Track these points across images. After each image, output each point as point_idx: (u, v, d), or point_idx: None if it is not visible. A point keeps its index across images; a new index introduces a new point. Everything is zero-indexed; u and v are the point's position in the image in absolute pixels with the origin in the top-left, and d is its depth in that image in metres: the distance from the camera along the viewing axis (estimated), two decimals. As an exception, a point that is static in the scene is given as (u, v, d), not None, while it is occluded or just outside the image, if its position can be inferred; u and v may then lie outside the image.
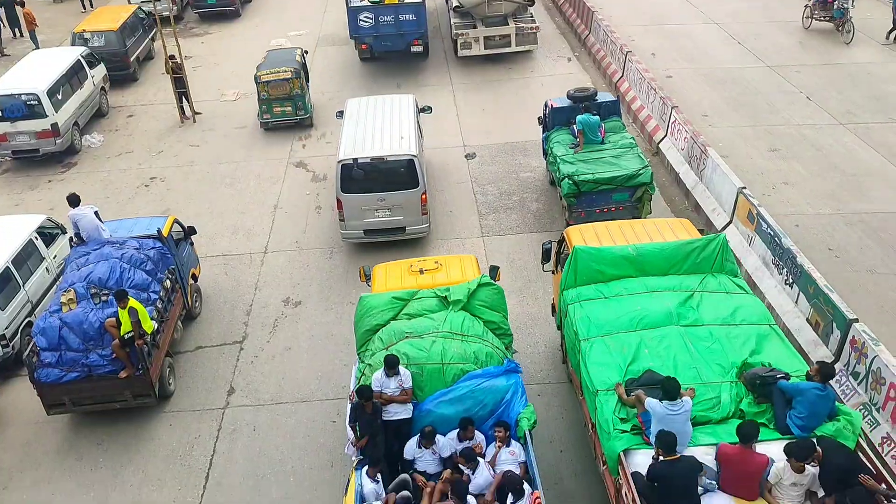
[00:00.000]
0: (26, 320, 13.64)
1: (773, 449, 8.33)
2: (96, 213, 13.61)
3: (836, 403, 8.93)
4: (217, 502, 11.00)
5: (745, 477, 8.25)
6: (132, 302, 11.75)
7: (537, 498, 8.58)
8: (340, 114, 17.95)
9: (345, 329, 13.59)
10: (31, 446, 12.15)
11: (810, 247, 14.53)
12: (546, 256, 13.12)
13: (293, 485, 11.14)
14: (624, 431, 8.84)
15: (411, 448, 9.50)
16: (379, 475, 9.09)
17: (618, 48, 22.82)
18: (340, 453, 11.24)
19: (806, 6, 25.70)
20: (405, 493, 8.89)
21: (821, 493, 8.18)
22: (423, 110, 18.48)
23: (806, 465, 8.04)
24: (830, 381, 9.22)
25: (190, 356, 13.64)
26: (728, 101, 21.42)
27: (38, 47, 26.42)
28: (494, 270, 12.15)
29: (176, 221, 14.46)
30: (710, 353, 9.62)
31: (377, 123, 16.55)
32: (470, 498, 8.64)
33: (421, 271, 11.83)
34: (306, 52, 23.30)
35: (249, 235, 16.97)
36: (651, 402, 8.59)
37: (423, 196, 15.46)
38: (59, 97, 20.33)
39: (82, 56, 22.12)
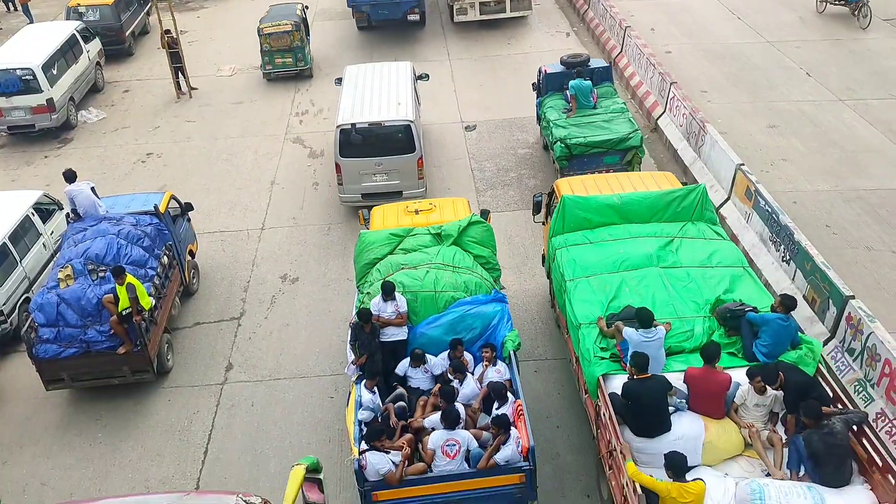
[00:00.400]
0: (24, 296, 13.65)
1: (741, 375, 8.98)
2: (93, 188, 13.57)
3: (799, 333, 9.59)
4: (216, 476, 11.07)
5: (710, 395, 8.91)
6: (130, 278, 11.75)
7: (519, 406, 9.37)
8: (339, 80, 18.20)
9: (342, 305, 13.62)
10: (31, 421, 12.21)
11: (808, 224, 14.53)
12: (537, 208, 13.73)
13: (291, 459, 11.17)
14: (603, 358, 9.59)
15: (404, 366, 10.31)
16: (376, 388, 9.89)
17: (617, 23, 22.66)
18: (339, 429, 11.34)
19: None
20: (401, 403, 9.78)
21: (782, 413, 8.91)
22: (420, 77, 18.72)
23: (768, 388, 8.73)
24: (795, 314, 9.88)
25: (188, 332, 13.67)
26: (727, 76, 21.32)
27: (32, 22, 26.23)
28: (485, 214, 12.68)
29: (173, 197, 14.43)
30: (687, 292, 10.30)
31: (375, 90, 16.87)
32: (459, 406, 9.29)
33: (416, 212, 12.59)
34: (307, 7, 23.65)
35: (246, 211, 16.94)
36: (628, 331, 9.33)
37: (420, 160, 15.82)
38: (55, 72, 20.20)
39: (77, 30, 21.95)
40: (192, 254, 14.65)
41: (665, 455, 8.13)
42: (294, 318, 13.79)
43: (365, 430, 9.13)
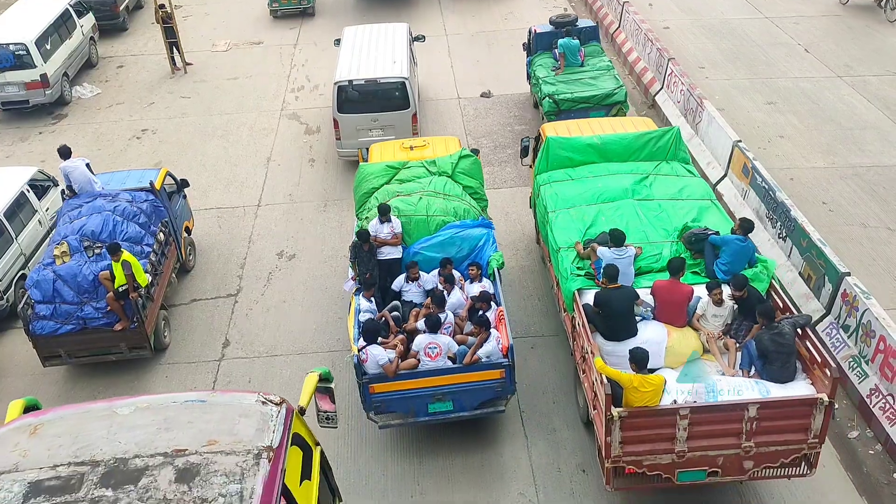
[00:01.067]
0: (20, 273, 13.63)
1: (703, 291, 9.94)
2: (88, 165, 13.50)
3: (756, 254, 10.44)
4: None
5: (673, 305, 9.86)
6: (125, 255, 11.73)
7: (501, 312, 10.59)
8: (338, 41, 18.66)
9: (339, 282, 13.62)
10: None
11: (804, 200, 14.54)
12: (524, 152, 14.69)
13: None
14: (578, 276, 10.53)
15: (399, 282, 11.42)
16: (373, 298, 11.03)
17: (615, -2, 22.45)
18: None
19: None
20: (396, 312, 10.96)
21: (735, 323, 9.84)
22: (416, 39, 19.25)
23: (725, 300, 9.75)
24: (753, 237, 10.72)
25: (185, 309, 13.68)
26: (725, 53, 21.22)
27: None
28: (475, 152, 13.41)
29: (168, 174, 14.37)
30: (658, 220, 11.20)
31: (372, 49, 17.63)
32: (447, 313, 10.44)
33: (411, 147, 13.82)
34: None
35: (243, 188, 16.89)
36: (602, 250, 10.37)
37: (414, 116, 16.51)
38: (48, 47, 20.04)
39: (70, 5, 21.74)
40: (188, 230, 14.63)
41: (630, 351, 8.94)
42: (291, 295, 13.80)
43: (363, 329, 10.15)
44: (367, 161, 13.80)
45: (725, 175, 15.14)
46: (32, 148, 18.88)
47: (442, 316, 10.27)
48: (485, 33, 23.24)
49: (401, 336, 10.44)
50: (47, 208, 14.68)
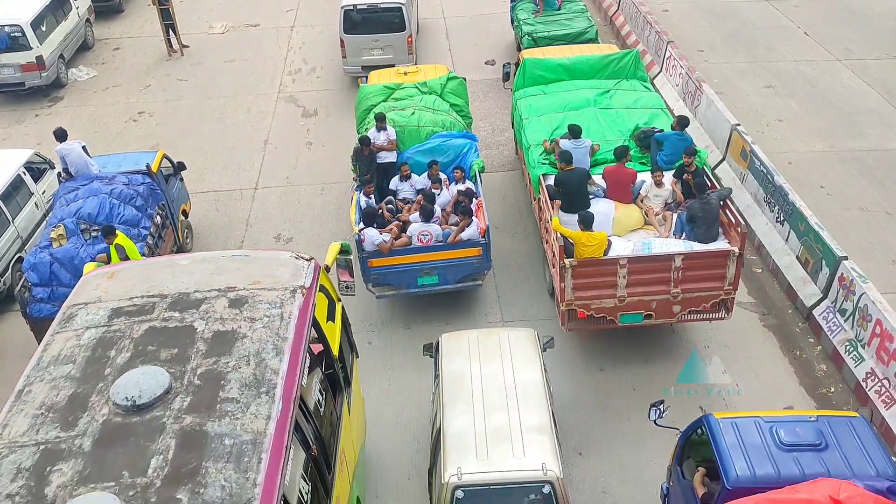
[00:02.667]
0: (17, 256, 13.61)
1: (647, 177, 11.90)
2: (84, 147, 13.44)
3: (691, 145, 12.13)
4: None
5: (621, 185, 11.85)
6: (120, 238, 11.66)
7: (480, 202, 12.46)
8: None
9: (336, 265, 13.62)
10: (26, 380, 12.23)
11: (803, 184, 14.50)
12: (506, 77, 16.60)
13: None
14: (544, 164, 12.47)
15: (395, 182, 13.36)
16: (371, 195, 12.79)
17: (614, -19, 22.33)
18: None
19: None
20: (391, 206, 12.82)
21: (672, 203, 11.76)
22: None
23: (664, 182, 11.75)
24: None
25: (182, 292, 13.65)
26: (724, 36, 21.13)
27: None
28: (463, 80, 15.22)
29: (165, 157, 14.32)
30: (615, 124, 13.08)
31: None
32: (437, 208, 12.25)
33: (405, 73, 15.61)
34: None
35: (240, 171, 16.84)
36: (563, 142, 12.31)
37: (409, 38, 18.98)
38: (44, 29, 19.89)
39: (66, -14, 21.57)
40: (185, 213, 14.59)
41: (578, 214, 10.86)
42: (288, 278, 13.76)
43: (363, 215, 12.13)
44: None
45: (724, 159, 15.11)
46: (28, 130, 18.80)
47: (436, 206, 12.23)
48: (483, 17, 23.08)
49: (396, 222, 12.30)
50: (43, 191, 14.63)
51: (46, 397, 6.37)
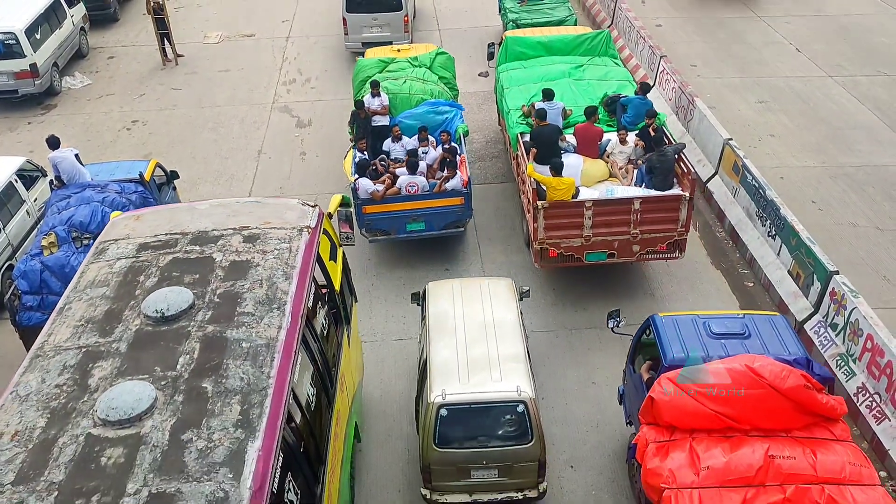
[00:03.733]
0: (7, 264, 13.54)
1: (614, 136, 13.60)
2: (77, 155, 13.40)
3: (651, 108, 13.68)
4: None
5: (589, 142, 13.47)
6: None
7: (463, 158, 14.05)
8: None
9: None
10: (15, 389, 12.14)
11: (794, 199, 14.57)
12: (490, 56, 18.16)
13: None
14: (520, 124, 14.12)
15: (388, 143, 14.59)
16: (365, 151, 14.12)
17: (608, -5, 22.48)
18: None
19: None
20: (383, 163, 14.11)
21: (635, 159, 13.30)
22: None
23: (627, 140, 13.31)
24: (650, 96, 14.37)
25: (173, 301, 13.60)
26: (717, 51, 21.27)
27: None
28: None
29: (158, 165, 14.29)
30: (586, 92, 14.71)
31: None
32: (423, 164, 13.83)
33: (398, 49, 17.14)
34: None
35: (233, 181, 16.82)
36: (537, 103, 13.86)
37: (406, 17, 20.75)
38: (38, 37, 19.87)
39: (61, -6, 21.57)
40: (177, 222, 14.54)
41: (550, 161, 12.32)
42: (280, 288, 13.74)
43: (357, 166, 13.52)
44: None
45: (716, 173, 15.17)
46: (21, 138, 18.74)
47: (420, 164, 13.72)
48: (475, 29, 23.16)
49: (388, 174, 13.73)
50: (35, 199, 14.57)
51: (85, 312, 7.32)
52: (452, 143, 14.28)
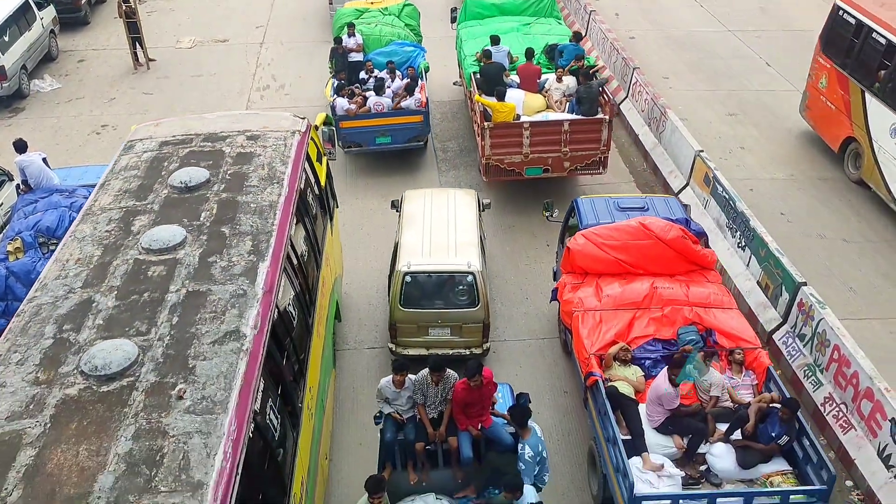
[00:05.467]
0: (-29, 269, 13.27)
1: (551, 77, 15.95)
2: (44, 159, 13.23)
3: (582, 52, 16.86)
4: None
5: (529, 78, 15.83)
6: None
7: (423, 86, 16.92)
8: None
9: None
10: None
11: (763, 211, 14.73)
12: (454, 20, 20.27)
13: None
14: (473, 66, 16.73)
15: (362, 75, 17.39)
16: (343, 80, 17.04)
17: (582, 7, 22.69)
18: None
19: None
20: (357, 88, 16.96)
21: (568, 93, 15.64)
22: None
23: (563, 78, 15.64)
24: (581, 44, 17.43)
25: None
26: (689, 64, 21.51)
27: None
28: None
29: (128, 170, 14.14)
30: (532, 43, 17.26)
31: None
32: (389, 91, 16.61)
33: (372, 2, 19.91)
34: None
35: (204, 187, 16.66)
36: (487, 48, 16.46)
37: None
38: (6, 39, 19.61)
39: (30, -4, 21.30)
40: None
41: (495, 89, 14.84)
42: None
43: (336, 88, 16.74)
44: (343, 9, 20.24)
45: (687, 184, 15.31)
46: (-13, 141, 18.45)
47: (387, 89, 16.52)
48: (451, 38, 23.19)
49: (360, 95, 16.50)
50: (1, 203, 14.31)
51: (122, 186, 9.17)
52: (416, 76, 17.10)
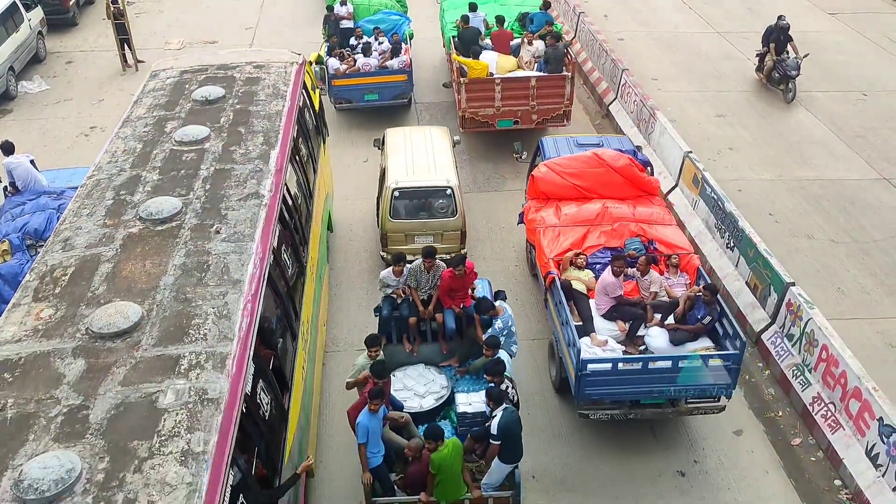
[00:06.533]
0: (-42, 271, 13.19)
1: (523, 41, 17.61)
2: (32, 161, 13.16)
3: (552, 20, 18.77)
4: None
5: (502, 42, 17.63)
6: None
7: (407, 49, 18.78)
8: None
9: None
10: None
11: (752, 211, 14.79)
12: None
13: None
14: (453, 31, 18.36)
15: (352, 41, 18.90)
16: (335, 45, 18.65)
17: (571, 8, 22.75)
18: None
19: None
20: (348, 50, 18.67)
21: (538, 58, 17.28)
22: None
23: (534, 43, 17.27)
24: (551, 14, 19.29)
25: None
26: (677, 65, 21.58)
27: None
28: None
29: (117, 172, 14.14)
30: (506, 11, 18.95)
31: None
32: (376, 53, 18.50)
33: None
34: None
35: (193, 189, 16.63)
36: (466, 13, 18.33)
37: None
38: (-7, 40, 19.48)
39: (17, -3, 21.18)
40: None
41: (470, 49, 16.98)
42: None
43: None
44: None
45: (676, 185, 15.36)
46: (-25, 143, 18.30)
47: (374, 50, 18.43)
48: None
49: (350, 57, 18.18)
50: (-11, 205, 14.25)
51: (152, 102, 11.14)
52: (400, 41, 18.71)
